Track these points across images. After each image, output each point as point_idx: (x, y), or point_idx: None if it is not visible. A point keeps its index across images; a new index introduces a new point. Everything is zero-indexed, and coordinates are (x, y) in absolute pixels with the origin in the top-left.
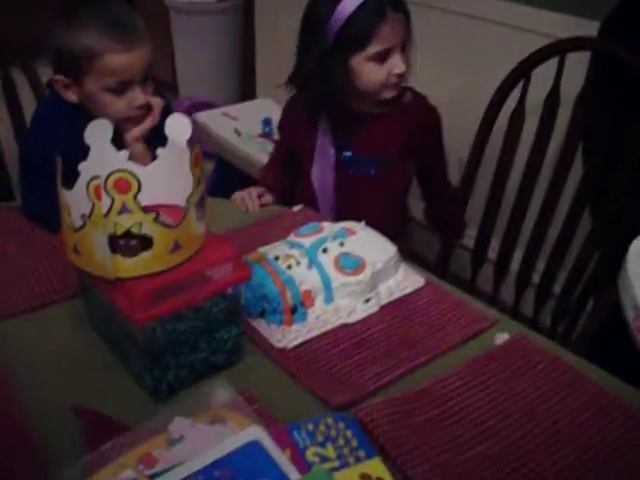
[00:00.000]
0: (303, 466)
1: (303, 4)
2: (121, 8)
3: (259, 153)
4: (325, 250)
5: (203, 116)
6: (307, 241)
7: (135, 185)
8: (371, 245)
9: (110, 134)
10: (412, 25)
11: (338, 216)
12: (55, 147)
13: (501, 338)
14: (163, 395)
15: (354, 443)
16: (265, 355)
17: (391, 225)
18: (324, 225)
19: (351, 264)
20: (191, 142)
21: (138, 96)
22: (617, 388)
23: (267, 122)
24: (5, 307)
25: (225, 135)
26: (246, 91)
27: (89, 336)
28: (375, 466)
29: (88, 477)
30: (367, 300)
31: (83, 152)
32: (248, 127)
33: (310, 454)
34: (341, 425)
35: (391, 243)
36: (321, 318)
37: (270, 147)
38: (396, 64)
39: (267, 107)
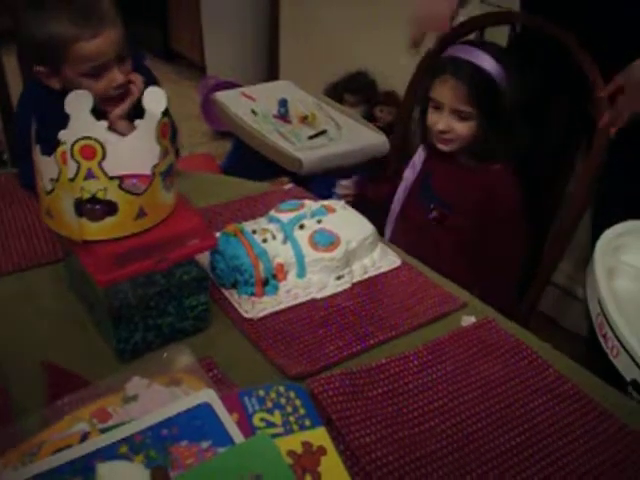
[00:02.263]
0: (248, 430)
1: None
2: None
3: (272, 133)
4: (302, 227)
5: (222, 95)
6: (286, 217)
7: (100, 152)
8: (348, 224)
9: (90, 105)
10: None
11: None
12: (42, 126)
13: (468, 321)
14: (128, 356)
15: (301, 412)
16: (233, 325)
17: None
18: (305, 202)
19: (325, 241)
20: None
21: (116, 76)
22: (578, 377)
23: (283, 103)
24: None
25: (241, 114)
26: (270, 73)
27: (69, 298)
28: (318, 435)
29: (44, 428)
30: (339, 277)
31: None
32: (265, 107)
33: (257, 419)
34: (291, 394)
35: (369, 223)
36: (292, 292)
37: (283, 128)
38: (437, 120)
39: (286, 89)
